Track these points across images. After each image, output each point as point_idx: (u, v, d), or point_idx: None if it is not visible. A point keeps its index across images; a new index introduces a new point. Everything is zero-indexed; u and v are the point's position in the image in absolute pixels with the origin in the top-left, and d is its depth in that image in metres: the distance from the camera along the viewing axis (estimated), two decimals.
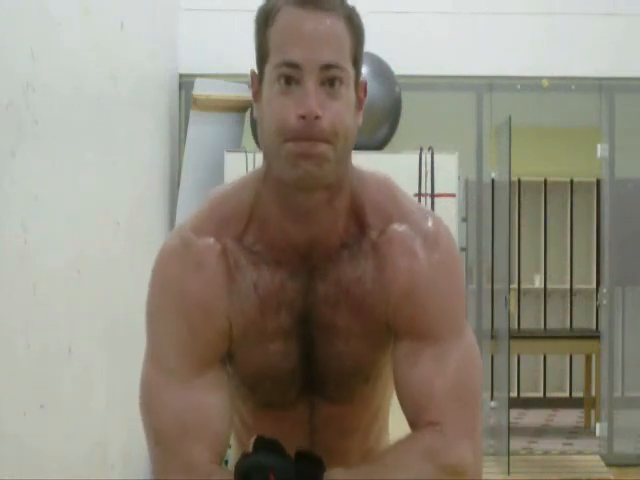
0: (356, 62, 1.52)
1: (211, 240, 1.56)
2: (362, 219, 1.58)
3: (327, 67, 1.46)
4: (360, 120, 1.55)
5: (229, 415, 1.58)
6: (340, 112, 1.47)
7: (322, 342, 1.59)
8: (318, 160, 1.46)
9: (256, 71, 1.54)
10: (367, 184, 1.60)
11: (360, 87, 1.55)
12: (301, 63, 1.46)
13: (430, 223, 1.59)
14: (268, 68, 1.50)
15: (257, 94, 1.54)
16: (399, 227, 1.57)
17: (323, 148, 1.46)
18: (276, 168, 1.51)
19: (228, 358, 1.61)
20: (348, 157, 1.55)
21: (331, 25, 1.48)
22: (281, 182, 1.52)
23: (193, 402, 1.53)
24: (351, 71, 1.50)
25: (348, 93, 1.49)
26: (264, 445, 1.52)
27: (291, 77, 1.46)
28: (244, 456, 1.52)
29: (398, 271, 1.55)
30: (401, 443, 1.55)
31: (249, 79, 1.56)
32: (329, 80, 1.47)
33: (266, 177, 1.56)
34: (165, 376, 1.55)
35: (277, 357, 1.59)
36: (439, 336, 1.55)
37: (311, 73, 1.46)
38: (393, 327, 1.58)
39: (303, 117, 1.44)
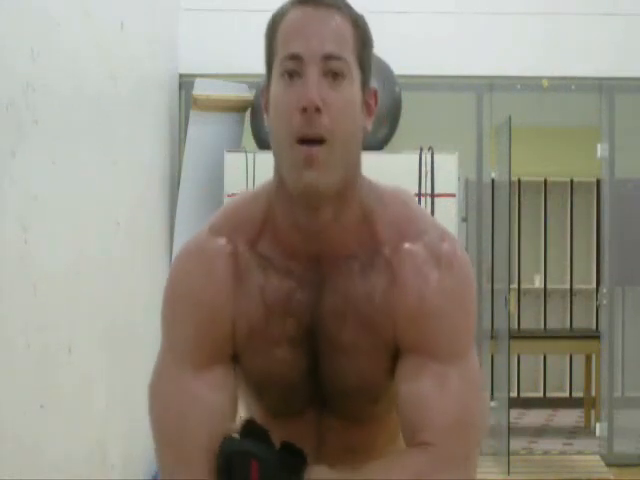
0: (362, 64, 1.51)
1: (223, 240, 1.58)
2: (375, 234, 1.56)
3: (328, 57, 1.46)
4: (370, 126, 1.54)
5: (232, 414, 1.58)
6: (341, 107, 1.46)
7: (327, 356, 1.59)
8: (319, 165, 1.45)
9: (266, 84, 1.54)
10: (383, 198, 1.59)
11: (369, 93, 1.54)
12: (302, 53, 1.46)
13: (445, 244, 1.57)
14: (275, 67, 1.50)
15: (267, 104, 1.54)
16: (413, 247, 1.55)
17: (323, 152, 1.45)
18: (285, 175, 1.50)
19: (235, 361, 1.62)
20: (352, 164, 1.53)
21: (334, 21, 1.49)
22: (289, 198, 1.52)
23: (196, 397, 1.55)
24: (355, 69, 1.49)
25: (352, 90, 1.49)
26: (252, 431, 1.53)
27: (294, 71, 1.47)
28: (230, 439, 1.52)
29: (407, 292, 1.54)
30: (392, 458, 1.55)
31: (259, 92, 1.56)
32: (331, 72, 1.47)
33: (277, 192, 1.56)
34: (174, 368, 1.58)
35: (282, 366, 1.59)
36: (441, 359, 1.54)
37: (312, 63, 1.46)
38: (399, 345, 1.57)
39: (305, 110, 1.44)
